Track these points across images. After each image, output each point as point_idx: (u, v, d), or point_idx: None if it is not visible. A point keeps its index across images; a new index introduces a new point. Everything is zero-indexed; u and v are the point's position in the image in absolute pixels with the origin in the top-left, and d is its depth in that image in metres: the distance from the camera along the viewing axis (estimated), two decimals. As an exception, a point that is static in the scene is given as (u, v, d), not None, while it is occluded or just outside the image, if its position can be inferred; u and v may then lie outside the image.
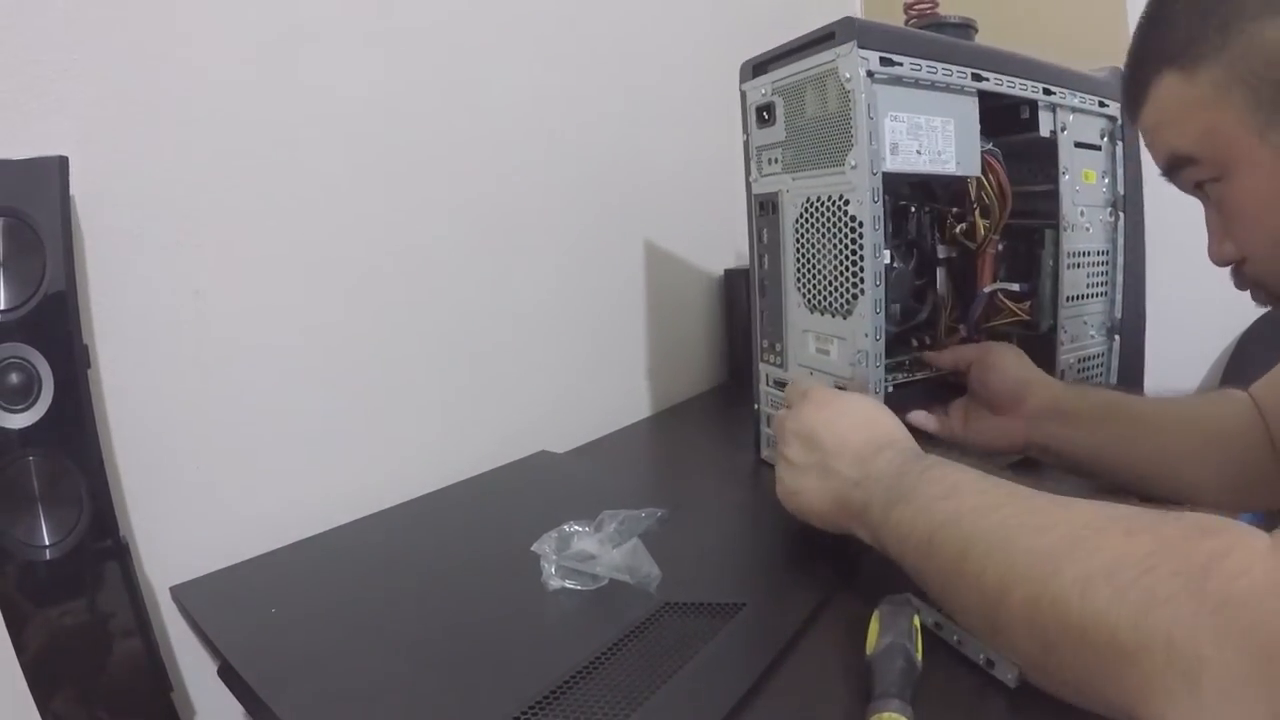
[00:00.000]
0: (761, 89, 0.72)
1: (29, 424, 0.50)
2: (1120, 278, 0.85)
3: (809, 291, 0.70)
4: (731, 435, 1.06)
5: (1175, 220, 1.56)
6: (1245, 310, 1.52)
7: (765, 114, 0.72)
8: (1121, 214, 0.84)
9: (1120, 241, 0.85)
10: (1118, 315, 0.86)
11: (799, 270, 0.70)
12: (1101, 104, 0.81)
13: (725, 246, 1.29)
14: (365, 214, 0.75)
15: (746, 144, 0.77)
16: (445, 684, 0.46)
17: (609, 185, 1.05)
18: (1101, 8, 1.49)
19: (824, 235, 0.66)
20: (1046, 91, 0.74)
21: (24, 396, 0.50)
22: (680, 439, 1.04)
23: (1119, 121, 0.83)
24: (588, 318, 1.03)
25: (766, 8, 1.43)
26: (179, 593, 0.59)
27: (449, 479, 0.81)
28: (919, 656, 0.42)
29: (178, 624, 0.61)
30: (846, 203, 0.63)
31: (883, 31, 0.62)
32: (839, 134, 0.63)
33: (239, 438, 0.66)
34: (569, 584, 0.56)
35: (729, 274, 1.22)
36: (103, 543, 0.52)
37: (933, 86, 0.65)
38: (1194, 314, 1.57)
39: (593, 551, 0.57)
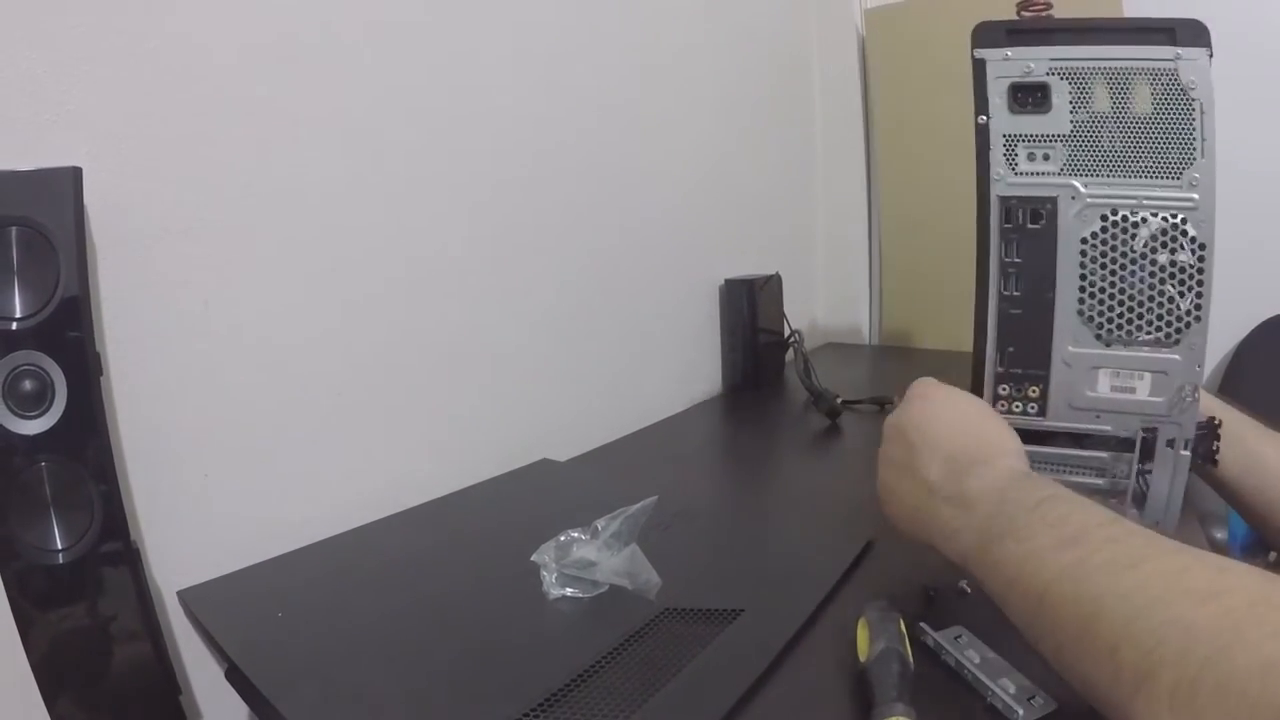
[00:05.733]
0: (1029, 63, 0.59)
1: (42, 430, 0.51)
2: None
3: (1110, 320, 0.59)
4: (732, 443, 1.07)
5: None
6: (1241, 321, 1.53)
7: (1029, 96, 0.59)
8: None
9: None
10: None
11: (1089, 295, 0.59)
12: None
13: (725, 256, 1.30)
14: (371, 225, 0.76)
15: (986, 129, 0.61)
16: (446, 686, 0.47)
17: (611, 196, 1.06)
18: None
19: (1143, 256, 0.57)
20: None
21: (38, 403, 0.51)
22: (680, 447, 1.05)
23: None
24: (590, 327, 1.04)
25: (766, 18, 1.44)
26: (186, 597, 0.60)
27: (452, 486, 0.82)
28: (910, 659, 0.43)
29: (184, 627, 0.62)
30: (1184, 222, 0.55)
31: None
32: (1166, 141, 0.56)
33: (246, 445, 0.67)
34: (569, 591, 0.56)
35: (729, 284, 1.23)
36: (113, 547, 0.53)
37: None
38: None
39: (592, 558, 0.57)
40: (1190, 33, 0.55)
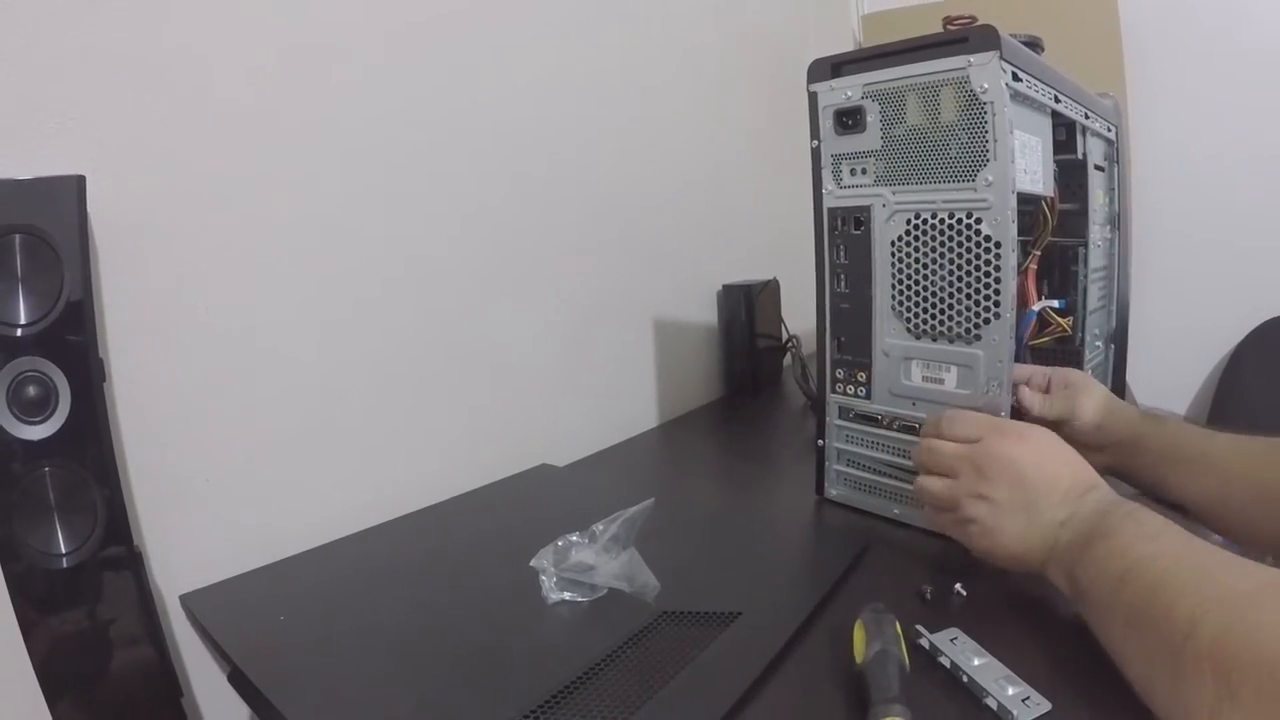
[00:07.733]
0: (846, 91, 0.65)
1: (46, 435, 0.51)
2: (1115, 289, 0.88)
3: (916, 316, 0.64)
4: (730, 447, 1.07)
5: (1169, 239, 1.58)
6: (1239, 324, 1.54)
7: (849, 119, 0.65)
8: (1117, 231, 0.87)
9: (1116, 255, 0.88)
10: (1113, 325, 0.89)
11: (899, 292, 0.65)
12: (1109, 128, 0.83)
13: (722, 261, 1.31)
14: (372, 233, 0.77)
15: (818, 151, 0.69)
16: (447, 689, 0.48)
17: (610, 203, 1.06)
18: (1098, 37, 1.52)
19: (942, 256, 0.61)
20: (1086, 116, 0.76)
21: (41, 409, 0.51)
22: (678, 452, 1.05)
23: (1115, 145, 0.86)
24: (589, 332, 1.04)
25: (764, 26, 1.45)
26: (188, 600, 0.60)
27: (452, 491, 0.82)
28: (906, 661, 0.43)
29: (186, 631, 0.62)
30: (978, 222, 0.58)
31: (1013, 45, 0.59)
32: (963, 147, 0.59)
33: (247, 450, 0.68)
34: (568, 595, 0.57)
35: (727, 289, 1.24)
36: (116, 551, 0.54)
37: (1029, 104, 0.64)
38: (1188, 327, 1.59)
39: (591, 562, 0.58)
40: (981, 39, 0.57)
